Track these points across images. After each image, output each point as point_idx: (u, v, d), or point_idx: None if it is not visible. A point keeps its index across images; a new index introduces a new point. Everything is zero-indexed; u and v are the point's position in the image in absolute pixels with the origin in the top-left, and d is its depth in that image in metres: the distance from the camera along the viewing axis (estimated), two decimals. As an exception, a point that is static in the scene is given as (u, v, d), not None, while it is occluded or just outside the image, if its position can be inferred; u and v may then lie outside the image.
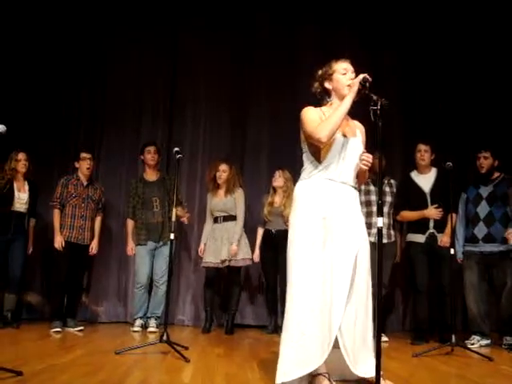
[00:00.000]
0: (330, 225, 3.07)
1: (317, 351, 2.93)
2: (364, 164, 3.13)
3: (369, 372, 2.98)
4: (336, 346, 2.93)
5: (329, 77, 3.28)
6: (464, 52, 6.93)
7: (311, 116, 3.21)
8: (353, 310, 2.97)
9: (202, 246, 6.04)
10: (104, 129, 6.87)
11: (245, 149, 6.84)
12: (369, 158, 3.13)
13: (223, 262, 5.82)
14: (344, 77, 3.21)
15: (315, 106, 3.29)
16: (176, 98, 6.98)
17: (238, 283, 6.02)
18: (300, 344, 2.96)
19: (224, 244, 5.85)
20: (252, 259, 5.98)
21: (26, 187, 5.85)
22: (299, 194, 3.22)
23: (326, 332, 2.94)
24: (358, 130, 3.29)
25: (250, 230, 6.13)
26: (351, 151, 3.16)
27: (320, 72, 3.34)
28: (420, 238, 5.49)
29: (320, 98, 3.37)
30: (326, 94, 3.32)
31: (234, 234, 5.86)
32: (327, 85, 3.29)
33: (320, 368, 2.97)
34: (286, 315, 3.09)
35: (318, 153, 3.20)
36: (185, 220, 5.97)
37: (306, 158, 3.27)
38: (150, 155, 6.01)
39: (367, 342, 3.08)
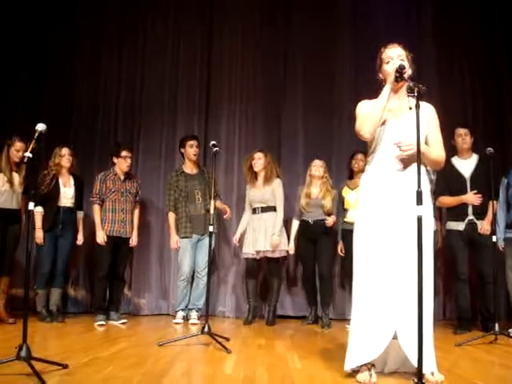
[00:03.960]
0: (384, 217, 3.05)
1: (377, 341, 2.97)
2: (403, 151, 3.00)
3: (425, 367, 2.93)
4: (395, 336, 2.97)
5: (379, 68, 3.27)
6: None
7: (359, 111, 3.25)
8: (412, 300, 2.88)
9: (237, 235, 6.04)
10: (141, 124, 6.93)
11: (280, 141, 6.81)
12: (404, 145, 2.99)
13: (258, 252, 5.84)
14: (388, 66, 3.16)
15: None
16: (211, 91, 7.00)
17: (278, 274, 6.01)
18: (363, 333, 3.02)
19: (261, 235, 5.84)
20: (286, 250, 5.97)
21: (72, 182, 5.91)
22: (360, 187, 3.26)
23: (386, 323, 2.97)
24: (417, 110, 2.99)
25: (286, 222, 6.13)
26: (407, 134, 3.02)
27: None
28: (459, 226, 5.41)
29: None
30: (382, 84, 3.23)
31: (274, 225, 5.83)
32: (380, 75, 3.26)
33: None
34: (352, 307, 3.15)
35: (369, 144, 3.23)
36: (228, 216, 6.05)
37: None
38: (193, 149, 6.03)
39: (427, 334, 2.99)
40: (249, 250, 5.91)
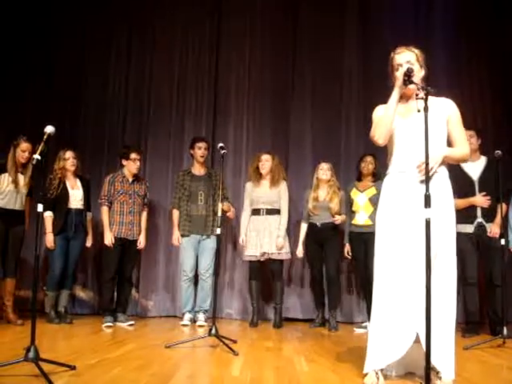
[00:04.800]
0: (404, 219, 3.05)
1: (400, 342, 2.97)
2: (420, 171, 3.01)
3: (443, 371, 2.94)
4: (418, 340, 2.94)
5: (391, 74, 3.25)
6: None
7: (374, 116, 3.27)
8: (434, 301, 2.84)
9: (243, 236, 5.98)
10: (149, 126, 6.94)
11: (288, 143, 6.79)
12: (421, 167, 2.98)
13: (263, 254, 5.81)
14: (398, 73, 3.13)
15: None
16: (219, 92, 7.00)
17: (280, 276, 5.97)
18: (386, 335, 3.00)
19: (266, 237, 5.82)
20: (290, 253, 5.94)
21: (79, 184, 5.91)
22: (381, 191, 3.25)
23: (408, 324, 2.97)
24: (432, 108, 2.98)
25: (293, 224, 6.12)
26: (417, 135, 2.99)
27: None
28: (468, 229, 5.36)
29: None
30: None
31: (279, 227, 5.82)
32: (393, 81, 3.22)
33: None
34: (372, 309, 3.14)
35: (388, 147, 3.23)
36: (231, 215, 6.01)
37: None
38: (201, 151, 6.04)
39: (448, 337, 3.05)
40: (252, 253, 5.89)
